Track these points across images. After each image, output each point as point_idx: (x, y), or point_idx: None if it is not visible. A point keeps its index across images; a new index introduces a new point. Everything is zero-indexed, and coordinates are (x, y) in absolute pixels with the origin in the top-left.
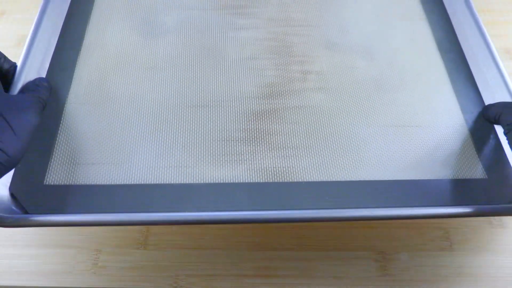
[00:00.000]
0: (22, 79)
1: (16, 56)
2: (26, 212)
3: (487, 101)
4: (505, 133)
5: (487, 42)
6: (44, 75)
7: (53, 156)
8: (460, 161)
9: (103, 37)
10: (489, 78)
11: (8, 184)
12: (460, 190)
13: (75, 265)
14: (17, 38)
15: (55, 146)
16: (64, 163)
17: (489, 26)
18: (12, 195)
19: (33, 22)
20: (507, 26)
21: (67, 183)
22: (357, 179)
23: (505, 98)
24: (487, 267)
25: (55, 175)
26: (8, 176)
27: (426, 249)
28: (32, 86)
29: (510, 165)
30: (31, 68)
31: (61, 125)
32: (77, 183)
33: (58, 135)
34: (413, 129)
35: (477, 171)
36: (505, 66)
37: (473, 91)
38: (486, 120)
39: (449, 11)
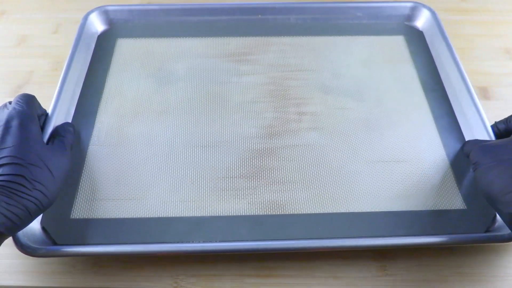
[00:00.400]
0: (52, 124)
1: (16, 56)
2: (55, 244)
3: (467, 137)
4: (472, 170)
5: (466, 84)
6: (70, 121)
7: (78, 193)
8: (441, 193)
9: (121, 86)
10: (469, 116)
11: (40, 219)
12: (441, 220)
13: (75, 265)
14: (17, 38)
15: (80, 184)
16: (88, 199)
17: (489, 26)
18: (43, 228)
19: (61, 75)
20: (507, 26)
21: (91, 217)
22: (347, 211)
23: (483, 134)
24: (487, 267)
25: (80, 210)
26: None
27: (426, 249)
28: (61, 132)
29: None
30: (60, 114)
31: (85, 165)
32: (99, 217)
33: (82, 174)
34: (398, 164)
35: (457, 202)
36: (505, 66)
37: (454, 128)
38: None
39: (433, 54)
